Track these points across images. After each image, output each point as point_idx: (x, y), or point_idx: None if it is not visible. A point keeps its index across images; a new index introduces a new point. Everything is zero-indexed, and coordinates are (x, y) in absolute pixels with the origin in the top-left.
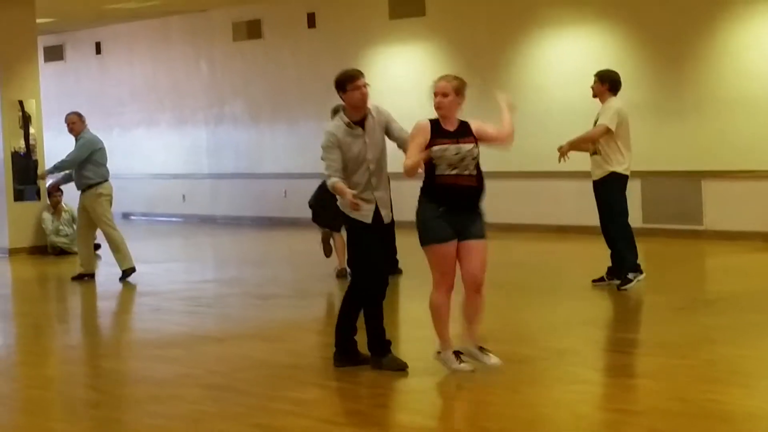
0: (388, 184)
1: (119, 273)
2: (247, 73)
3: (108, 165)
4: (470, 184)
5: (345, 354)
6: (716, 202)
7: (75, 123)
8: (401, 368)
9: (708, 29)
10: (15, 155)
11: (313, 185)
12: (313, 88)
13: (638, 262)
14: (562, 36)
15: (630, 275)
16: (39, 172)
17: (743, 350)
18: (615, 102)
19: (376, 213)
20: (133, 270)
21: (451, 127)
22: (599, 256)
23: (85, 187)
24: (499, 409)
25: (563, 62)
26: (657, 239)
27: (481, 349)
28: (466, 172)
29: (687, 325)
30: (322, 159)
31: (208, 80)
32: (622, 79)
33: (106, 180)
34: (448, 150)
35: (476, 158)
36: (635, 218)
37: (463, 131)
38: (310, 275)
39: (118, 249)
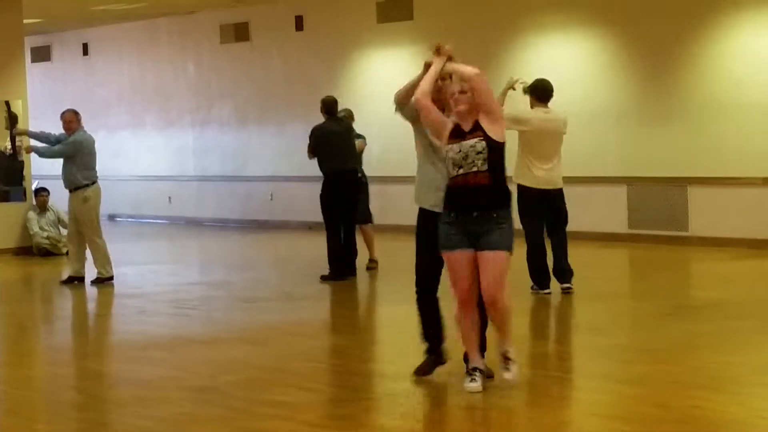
0: None
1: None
2: (235, 75)
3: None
4: (477, 182)
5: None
6: (702, 209)
7: (72, 122)
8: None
9: (695, 36)
10: (1, 156)
11: (300, 188)
12: (301, 91)
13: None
14: (550, 41)
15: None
16: (19, 129)
17: (728, 357)
18: (529, 112)
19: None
20: (81, 279)
21: (466, 126)
22: (584, 260)
23: (72, 188)
24: (483, 414)
25: (551, 68)
26: (642, 245)
27: (505, 360)
28: (474, 169)
29: (672, 332)
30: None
31: (196, 82)
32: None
33: (94, 183)
34: (452, 149)
35: (482, 153)
36: (620, 223)
37: (474, 128)
38: (296, 278)
39: (96, 258)
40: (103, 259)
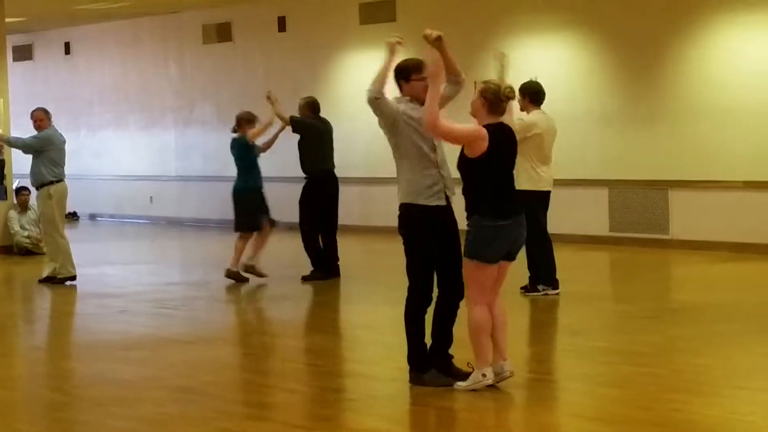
0: None
1: (87, 273)
2: (217, 75)
3: (75, 165)
4: None
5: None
6: (683, 212)
7: (42, 120)
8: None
9: (677, 39)
10: None
11: (281, 188)
12: (283, 92)
13: (556, 277)
14: (532, 44)
15: (540, 287)
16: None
17: (708, 360)
18: (531, 116)
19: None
20: (64, 279)
21: None
22: (565, 263)
23: (38, 185)
24: (464, 415)
25: (534, 70)
26: (623, 248)
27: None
28: None
29: (653, 334)
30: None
31: (178, 82)
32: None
33: (60, 181)
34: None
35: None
36: (602, 226)
37: None
38: (277, 279)
39: (55, 258)
40: (63, 258)
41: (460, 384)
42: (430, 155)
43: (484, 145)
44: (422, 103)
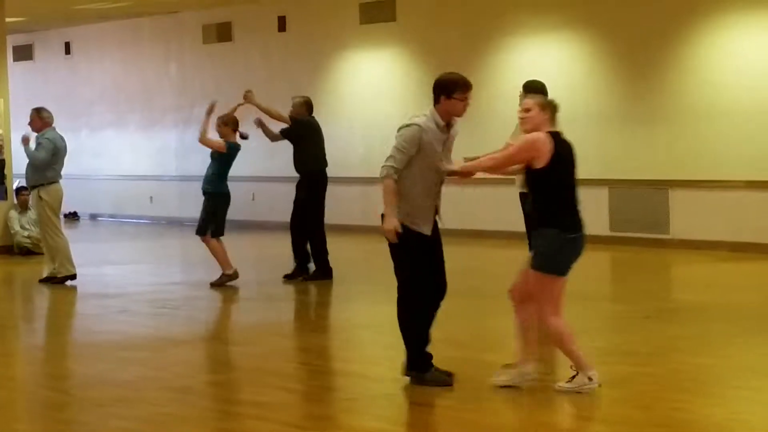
0: None
1: (87, 273)
2: (217, 75)
3: (76, 165)
4: None
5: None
6: (683, 212)
7: (33, 121)
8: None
9: (677, 39)
10: None
11: (281, 188)
12: (283, 92)
13: None
14: (532, 44)
15: None
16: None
17: (708, 359)
18: None
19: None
20: (64, 279)
21: None
22: None
23: (31, 187)
24: (463, 415)
25: (534, 69)
26: (624, 248)
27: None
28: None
29: (652, 334)
30: (396, 149)
31: (178, 82)
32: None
33: (53, 182)
34: None
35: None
36: (602, 226)
37: None
38: (277, 279)
39: (54, 258)
40: (62, 257)
41: (564, 385)
42: (434, 186)
43: (545, 146)
44: (447, 124)
